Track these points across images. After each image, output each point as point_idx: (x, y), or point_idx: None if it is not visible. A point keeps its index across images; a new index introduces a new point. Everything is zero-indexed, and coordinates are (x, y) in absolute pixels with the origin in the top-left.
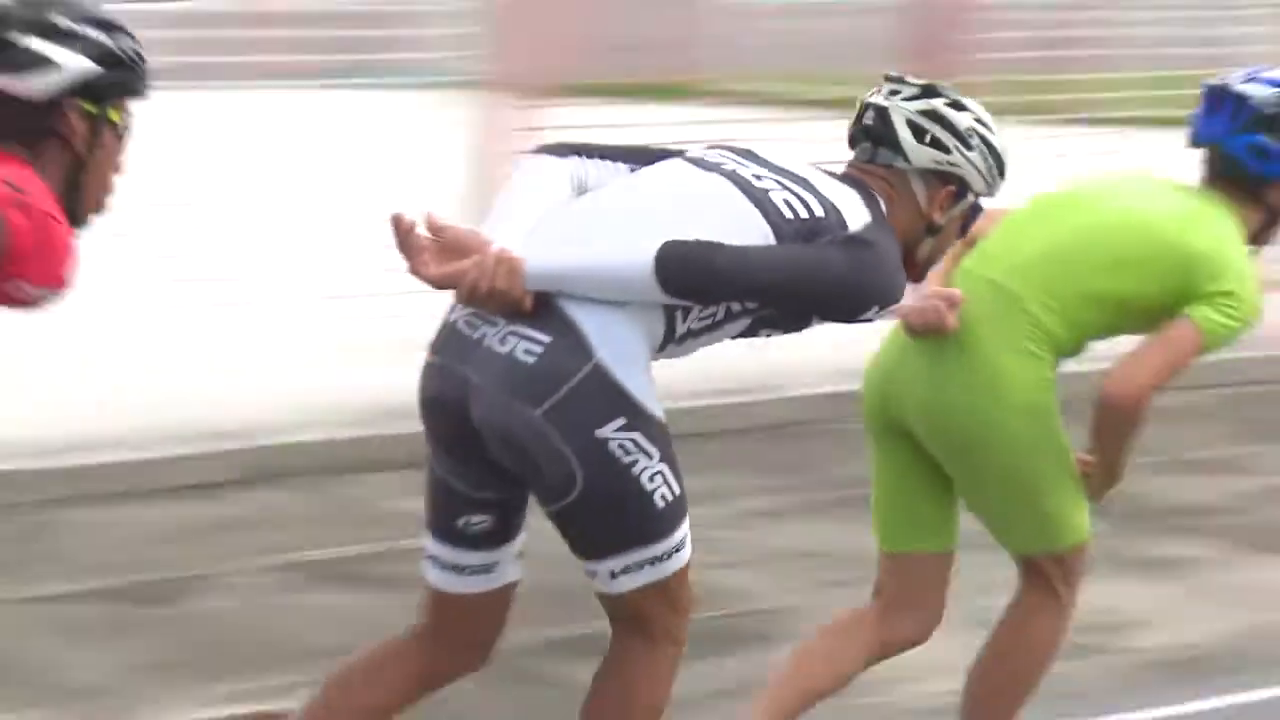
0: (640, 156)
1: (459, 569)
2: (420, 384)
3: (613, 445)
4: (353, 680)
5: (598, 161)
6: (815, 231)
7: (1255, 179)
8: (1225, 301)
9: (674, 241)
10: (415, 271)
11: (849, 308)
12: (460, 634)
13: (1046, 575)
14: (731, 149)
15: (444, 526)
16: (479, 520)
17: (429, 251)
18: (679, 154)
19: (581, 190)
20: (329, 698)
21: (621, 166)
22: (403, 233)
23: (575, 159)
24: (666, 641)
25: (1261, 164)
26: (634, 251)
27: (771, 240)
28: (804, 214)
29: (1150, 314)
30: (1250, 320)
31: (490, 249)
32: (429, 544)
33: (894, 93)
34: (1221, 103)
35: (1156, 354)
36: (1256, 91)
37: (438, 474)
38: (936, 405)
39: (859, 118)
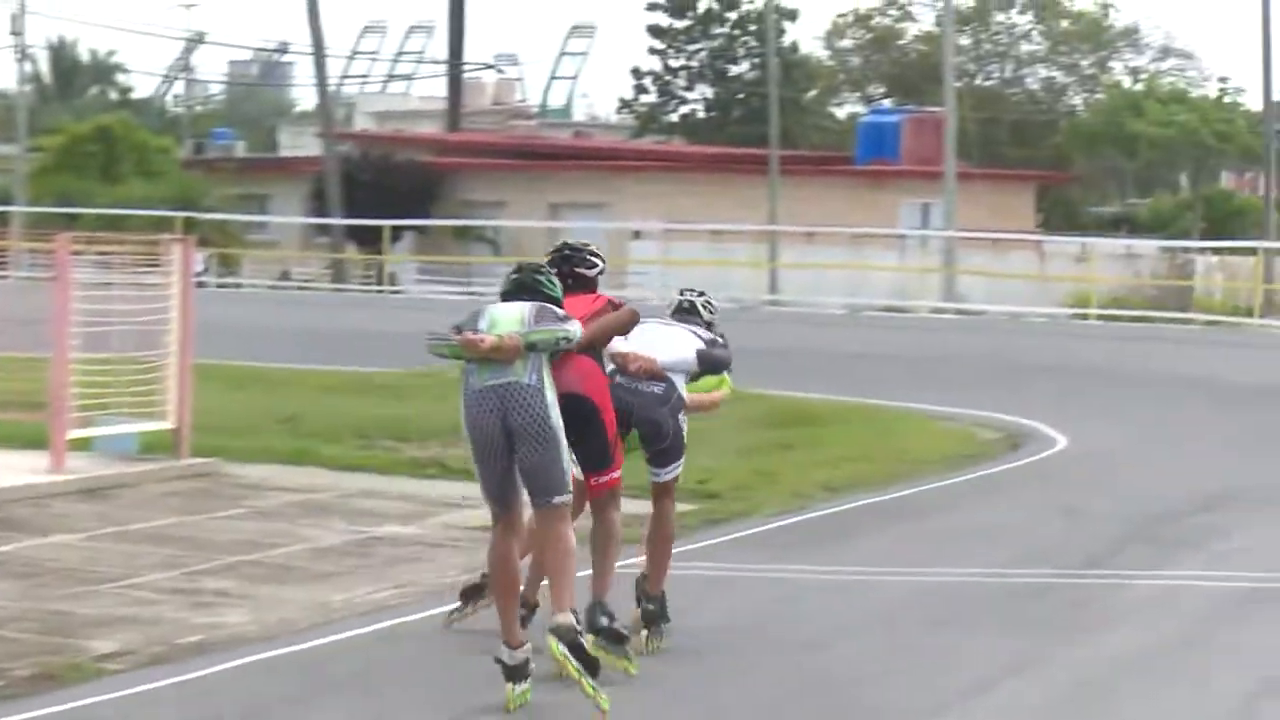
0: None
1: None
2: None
3: (680, 419)
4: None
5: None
6: (715, 343)
7: None
8: None
9: (702, 350)
10: (636, 371)
11: (723, 369)
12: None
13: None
14: (664, 320)
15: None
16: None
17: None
18: (655, 319)
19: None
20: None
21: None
22: (632, 360)
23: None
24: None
25: None
26: (687, 353)
27: (701, 348)
28: (710, 337)
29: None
30: None
31: (650, 358)
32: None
33: (692, 294)
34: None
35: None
36: None
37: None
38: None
39: (679, 306)
